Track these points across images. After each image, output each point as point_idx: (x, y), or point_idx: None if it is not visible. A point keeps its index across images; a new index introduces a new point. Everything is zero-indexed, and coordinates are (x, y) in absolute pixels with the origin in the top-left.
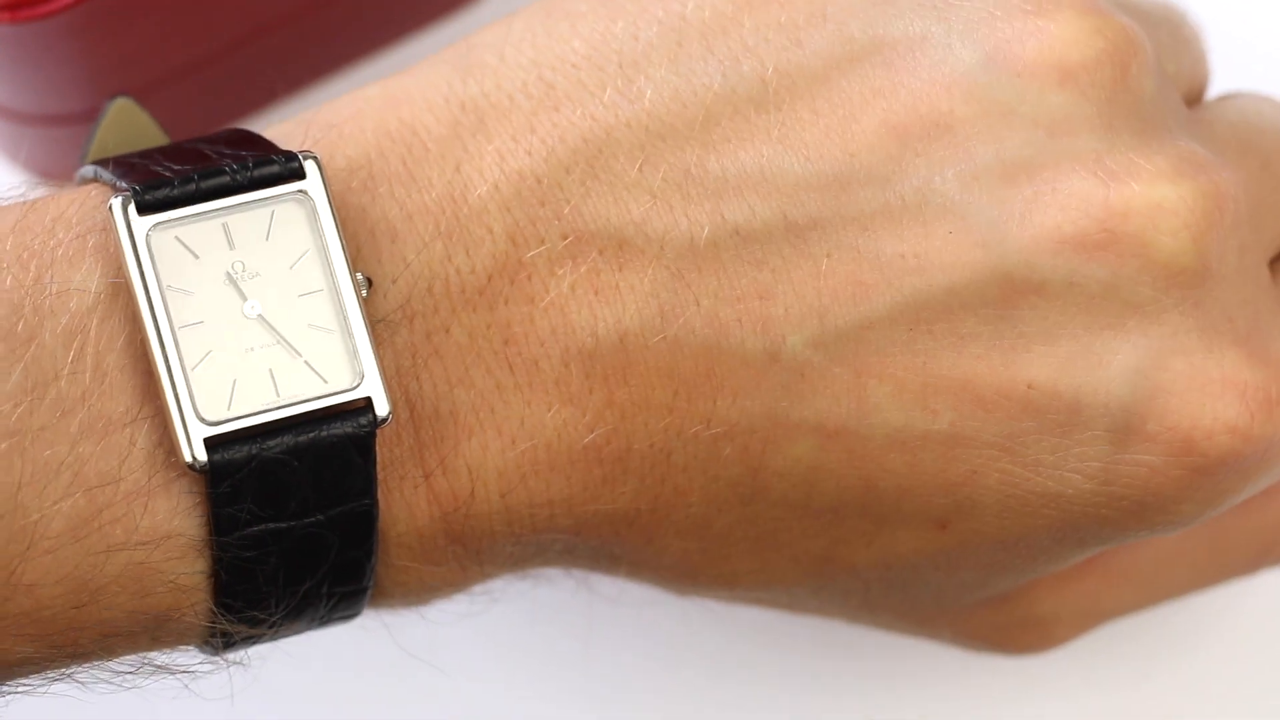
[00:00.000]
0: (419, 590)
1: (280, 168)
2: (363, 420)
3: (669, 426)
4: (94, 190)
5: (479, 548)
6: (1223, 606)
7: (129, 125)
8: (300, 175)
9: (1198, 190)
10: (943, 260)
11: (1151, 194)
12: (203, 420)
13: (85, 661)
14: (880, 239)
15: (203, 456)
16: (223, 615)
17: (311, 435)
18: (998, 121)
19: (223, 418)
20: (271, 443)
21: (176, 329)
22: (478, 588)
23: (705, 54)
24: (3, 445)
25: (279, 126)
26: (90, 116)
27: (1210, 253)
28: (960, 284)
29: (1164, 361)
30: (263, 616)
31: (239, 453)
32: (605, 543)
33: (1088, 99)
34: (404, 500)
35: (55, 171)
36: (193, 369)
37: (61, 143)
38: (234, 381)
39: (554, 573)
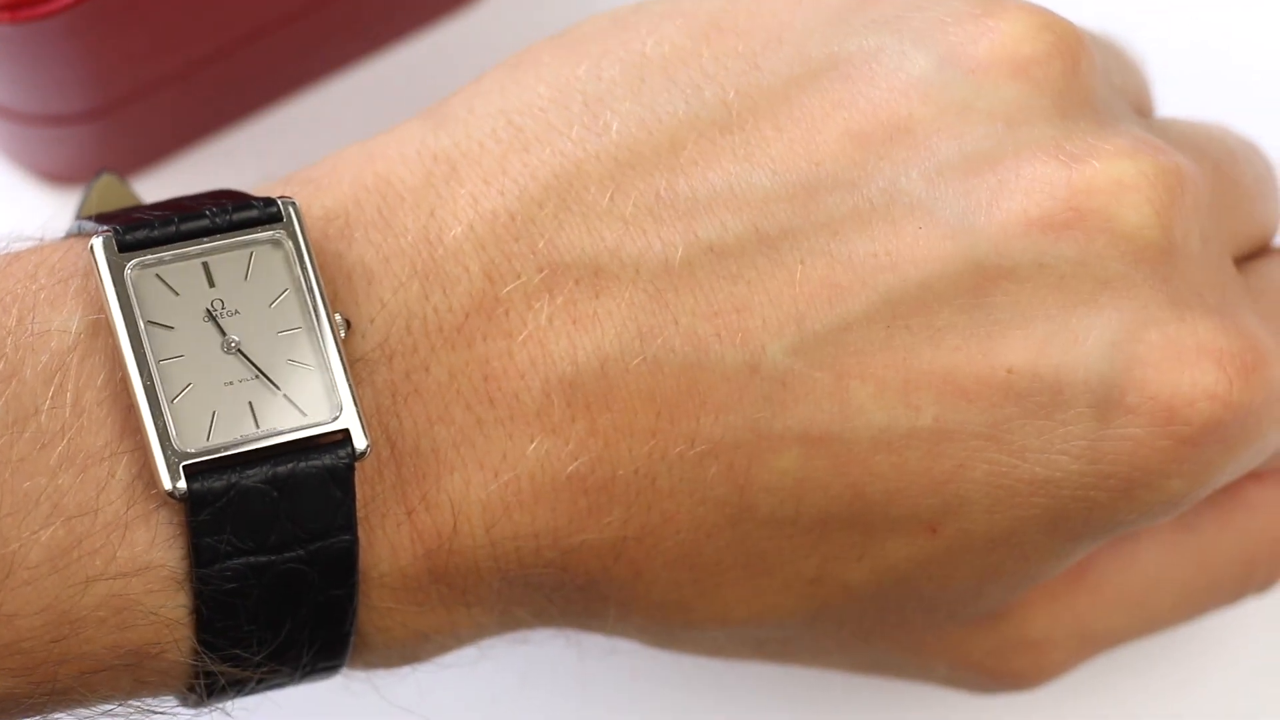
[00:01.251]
0: (403, 638)
1: (259, 212)
2: (341, 453)
3: (653, 450)
4: (77, 241)
5: (465, 586)
6: (1214, 642)
7: (113, 199)
8: (278, 219)
9: (1158, 166)
10: (914, 255)
11: (1113, 170)
12: (181, 450)
13: (67, 700)
14: (851, 241)
15: (181, 484)
16: (205, 653)
17: (290, 466)
18: (956, 118)
19: (202, 447)
20: (250, 472)
21: (156, 361)
22: (467, 650)
23: (667, 85)
24: None
25: (257, 187)
26: (90, 116)
27: (1175, 227)
28: (933, 277)
29: (1139, 333)
30: (245, 656)
31: (218, 481)
32: (593, 579)
33: (1041, 91)
34: (386, 538)
35: (55, 171)
36: (172, 400)
37: (61, 143)
38: (213, 413)
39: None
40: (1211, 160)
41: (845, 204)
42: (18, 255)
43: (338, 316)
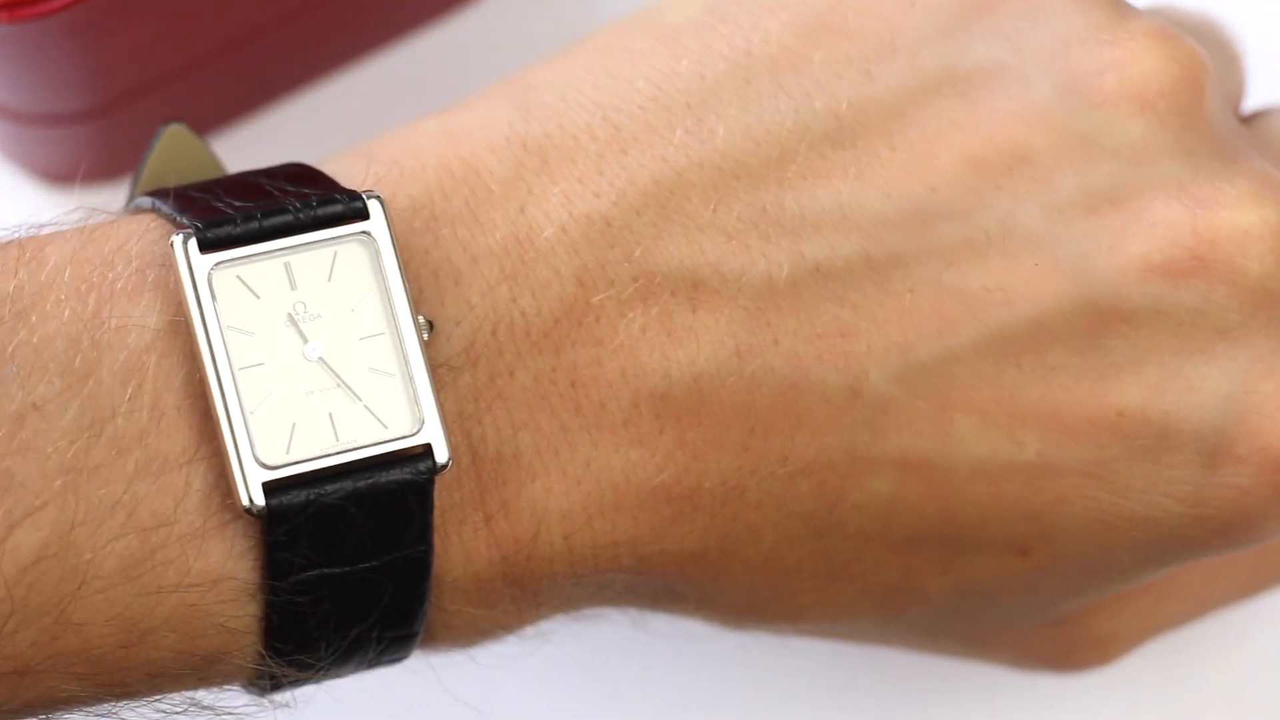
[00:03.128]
0: (469, 633)
1: (344, 207)
2: (422, 467)
3: (743, 465)
4: (153, 222)
5: (537, 589)
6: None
7: (182, 153)
8: (364, 215)
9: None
10: (1029, 292)
11: (1238, 219)
12: (261, 464)
13: (131, 699)
14: (964, 273)
15: (260, 501)
16: (271, 659)
17: (370, 481)
18: (1078, 152)
19: (281, 462)
20: (330, 488)
21: (236, 370)
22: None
23: (775, 91)
24: (58, 482)
25: (337, 159)
26: (90, 116)
27: None
28: (1047, 316)
29: (1253, 384)
30: (311, 660)
31: (296, 498)
32: (669, 581)
33: (1166, 127)
34: (462, 545)
35: (55, 171)
36: (252, 412)
37: (61, 143)
38: (293, 425)
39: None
40: None
41: (959, 233)
42: (91, 235)
43: (421, 318)
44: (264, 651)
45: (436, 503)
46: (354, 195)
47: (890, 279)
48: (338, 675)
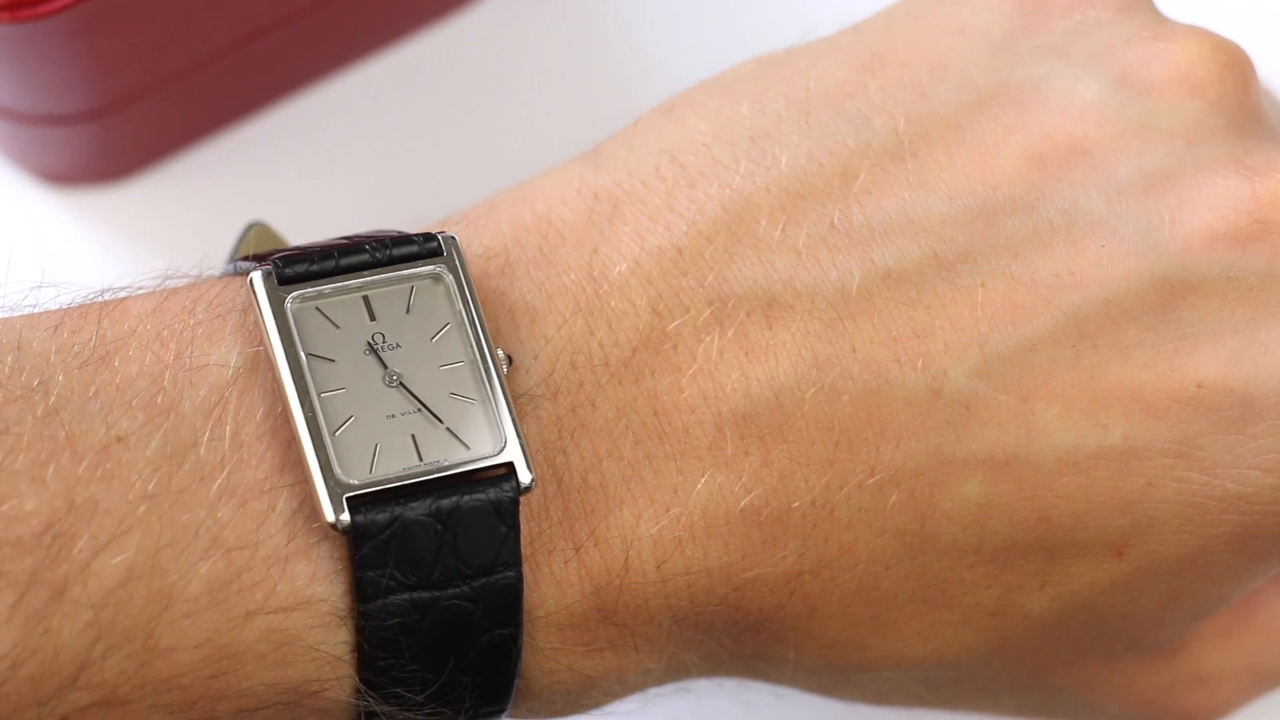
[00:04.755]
0: (569, 683)
1: (418, 247)
2: (506, 487)
3: (831, 481)
4: (234, 279)
5: (634, 626)
6: None
7: (266, 246)
8: (438, 253)
9: None
10: (1098, 274)
11: None
12: (344, 480)
13: None
14: (1033, 263)
15: (345, 516)
16: (366, 692)
17: (454, 500)
18: (1134, 138)
19: (365, 479)
20: (414, 505)
21: (318, 394)
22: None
23: (834, 117)
24: (142, 508)
25: (412, 229)
26: (90, 116)
27: None
28: (1119, 294)
29: None
30: (407, 695)
31: (381, 514)
32: (766, 616)
33: (1217, 109)
34: (553, 576)
35: (55, 171)
36: (334, 432)
37: (61, 143)
38: (376, 445)
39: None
40: None
41: (1025, 226)
42: (174, 291)
43: (500, 352)
44: (359, 684)
45: (524, 531)
46: (428, 236)
47: (960, 276)
48: None
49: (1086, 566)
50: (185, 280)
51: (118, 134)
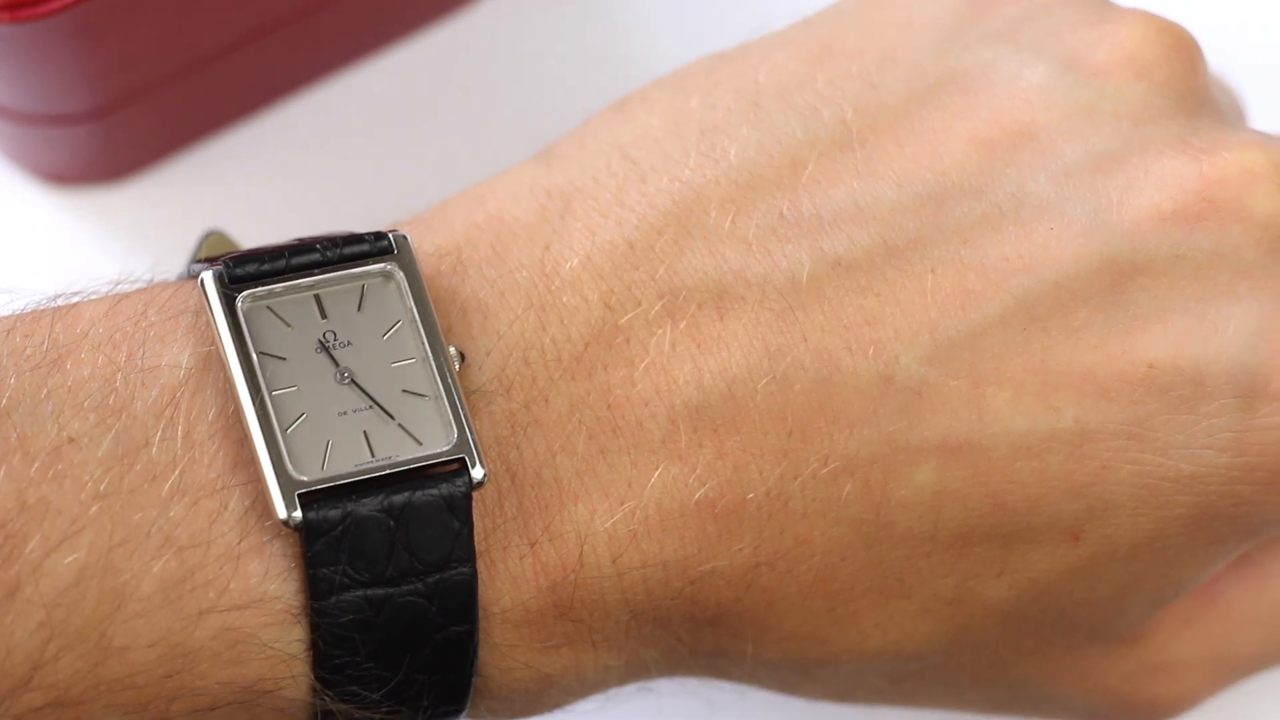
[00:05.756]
0: (526, 680)
1: (369, 245)
2: (458, 482)
3: (785, 472)
4: (186, 282)
5: (591, 622)
6: None
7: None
8: (389, 251)
9: None
10: (1047, 256)
11: (1243, 160)
12: (296, 477)
13: None
14: (982, 247)
15: (297, 514)
16: (323, 690)
17: (406, 495)
18: (1081, 121)
19: (316, 476)
20: (366, 501)
21: (270, 392)
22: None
23: (784, 109)
24: (94, 508)
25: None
26: (90, 116)
27: None
28: (1068, 276)
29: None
30: (364, 694)
31: (333, 510)
32: (723, 610)
33: (1164, 91)
34: (508, 572)
35: (55, 171)
36: (286, 430)
37: (61, 143)
38: (328, 443)
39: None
40: None
41: (973, 211)
42: (126, 295)
43: (452, 349)
44: (314, 683)
45: (478, 527)
46: (379, 235)
47: (910, 262)
48: None
49: (1043, 553)
50: (138, 285)
51: (118, 134)
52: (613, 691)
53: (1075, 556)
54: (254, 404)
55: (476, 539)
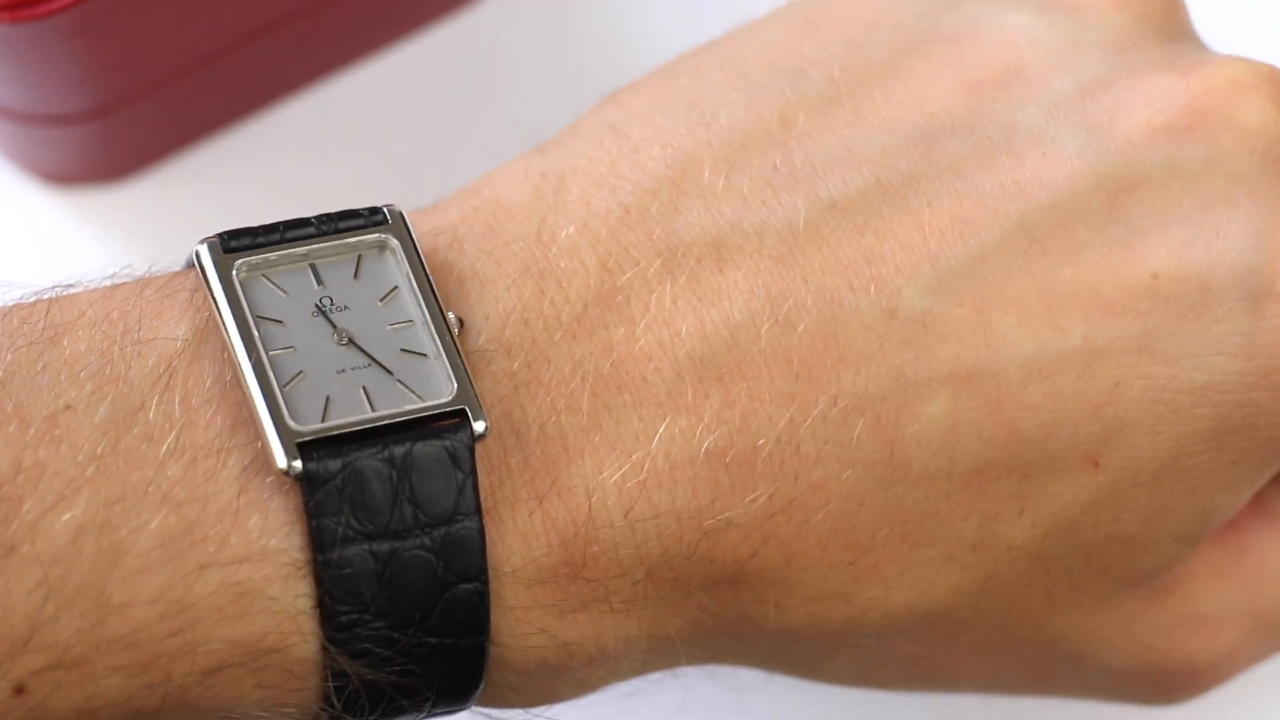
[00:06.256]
0: (544, 649)
1: (364, 219)
2: (460, 435)
3: (794, 415)
4: (183, 270)
5: (605, 581)
6: None
7: None
8: (383, 223)
9: (1270, 69)
10: (1042, 179)
11: (1229, 72)
12: (295, 428)
13: (187, 709)
14: (976, 178)
15: (296, 462)
16: (331, 649)
17: (407, 445)
18: (1066, 54)
19: (316, 426)
20: (366, 451)
21: (266, 352)
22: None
23: (772, 76)
24: (90, 469)
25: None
26: (90, 116)
27: None
28: (1064, 197)
29: (1279, 222)
30: (375, 650)
31: (333, 460)
32: (742, 567)
33: (1146, 21)
34: (517, 529)
35: (55, 171)
36: (284, 386)
37: (61, 143)
38: (327, 398)
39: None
40: None
41: (965, 145)
42: (121, 281)
43: (450, 315)
44: (324, 642)
45: (484, 484)
46: (374, 210)
47: (906, 199)
48: (411, 704)
49: (1063, 483)
50: (136, 275)
51: (118, 134)
52: (639, 684)
53: (1096, 485)
54: (250, 360)
55: (483, 495)
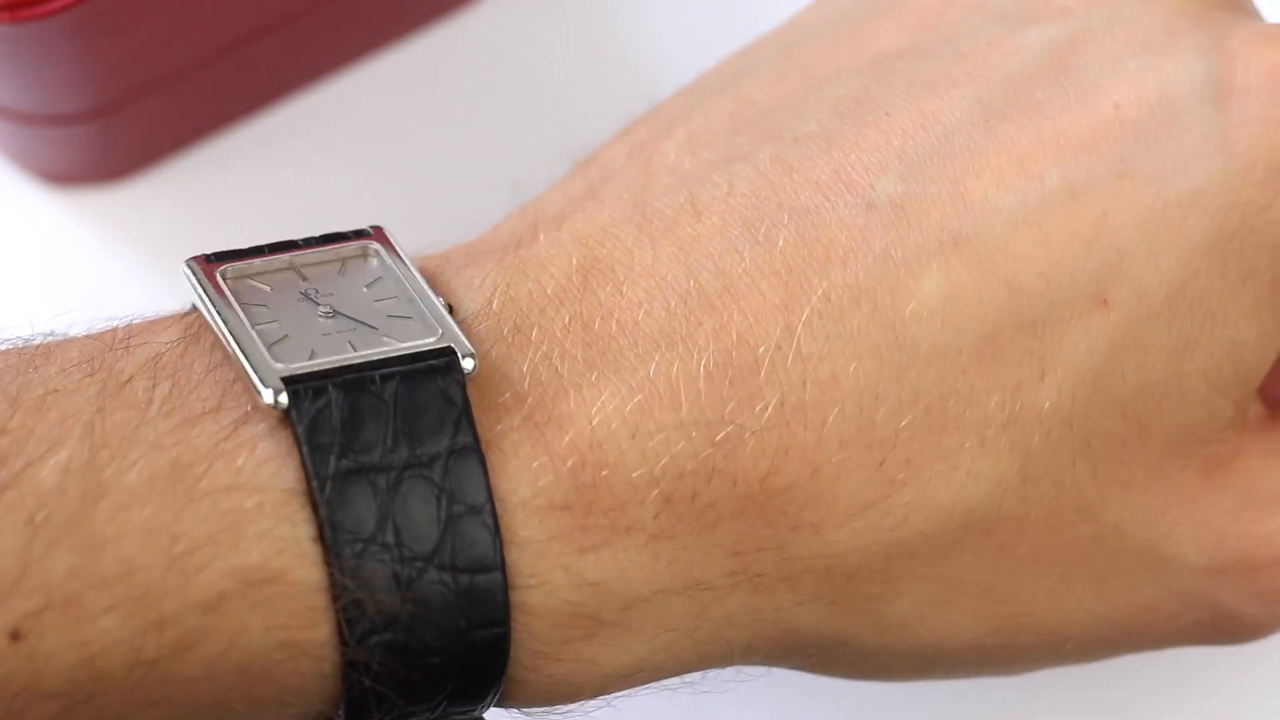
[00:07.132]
0: (568, 590)
1: (347, 235)
2: (451, 374)
3: (789, 319)
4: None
5: (625, 510)
6: None
7: None
8: (367, 235)
9: None
10: (992, 61)
11: None
12: (280, 366)
13: (182, 648)
14: (931, 83)
15: (283, 395)
16: (335, 571)
17: (395, 379)
18: None
19: (302, 364)
20: (355, 387)
21: (252, 325)
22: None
23: (719, 84)
24: (77, 430)
25: None
26: (90, 117)
27: None
28: (1016, 69)
29: (1224, 37)
30: (385, 586)
31: (320, 397)
32: (769, 489)
33: None
34: (520, 461)
35: (55, 171)
36: (269, 346)
37: (61, 143)
38: (312, 350)
39: None
40: None
41: (913, 66)
42: (109, 321)
43: (440, 300)
44: (330, 570)
45: (481, 424)
46: (358, 231)
47: (865, 114)
48: (429, 633)
49: (1077, 332)
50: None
51: (118, 134)
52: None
53: (1111, 325)
54: (232, 319)
55: (480, 432)
